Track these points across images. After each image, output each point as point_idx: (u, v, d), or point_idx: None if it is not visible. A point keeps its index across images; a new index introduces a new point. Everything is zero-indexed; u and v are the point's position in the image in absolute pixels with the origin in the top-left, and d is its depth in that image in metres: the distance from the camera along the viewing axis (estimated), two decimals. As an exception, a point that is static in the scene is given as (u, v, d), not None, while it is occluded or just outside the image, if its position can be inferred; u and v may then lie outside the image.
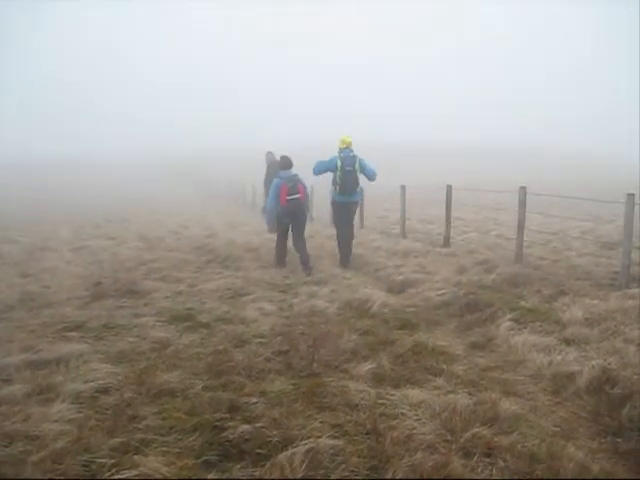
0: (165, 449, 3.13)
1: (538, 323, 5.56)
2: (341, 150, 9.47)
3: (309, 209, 9.93)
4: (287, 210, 9.21)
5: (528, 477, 2.89)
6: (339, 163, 9.26)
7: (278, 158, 10.21)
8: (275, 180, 9.41)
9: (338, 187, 9.41)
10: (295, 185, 9.19)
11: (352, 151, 9.44)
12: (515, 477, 2.89)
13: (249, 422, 3.40)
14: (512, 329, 5.42)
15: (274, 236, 10.04)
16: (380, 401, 3.77)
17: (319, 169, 9.47)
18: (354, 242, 10.12)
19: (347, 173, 9.27)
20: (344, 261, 9.62)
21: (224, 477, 2.89)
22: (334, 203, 9.90)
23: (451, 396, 3.84)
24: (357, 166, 9.33)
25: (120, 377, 4.23)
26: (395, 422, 3.45)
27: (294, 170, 9.46)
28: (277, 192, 9.19)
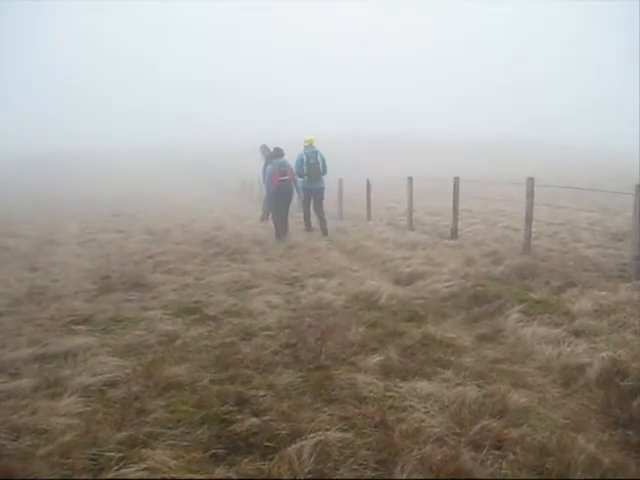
0: (173, 442, 3.12)
1: (547, 315, 5.52)
2: (306, 147, 11.96)
3: (298, 190, 12.33)
4: (279, 188, 11.72)
5: (538, 473, 2.87)
6: (305, 158, 11.85)
7: (271, 150, 12.73)
8: (269, 166, 12.12)
9: (306, 177, 11.94)
10: (285, 169, 11.75)
11: (314, 147, 11.97)
12: (524, 473, 2.87)
13: (257, 415, 3.39)
14: (521, 321, 5.38)
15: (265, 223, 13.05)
16: (388, 394, 3.76)
17: (298, 168, 11.93)
18: (363, 233, 11.10)
19: (311, 165, 11.85)
20: (308, 229, 12.59)
21: (232, 470, 2.88)
22: (303, 190, 12.27)
23: (460, 388, 3.81)
24: (319, 158, 11.92)
25: (128, 370, 4.23)
26: (404, 415, 3.43)
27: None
28: (271, 176, 11.75)
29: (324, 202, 12.58)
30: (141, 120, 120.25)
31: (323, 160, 11.97)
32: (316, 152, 11.92)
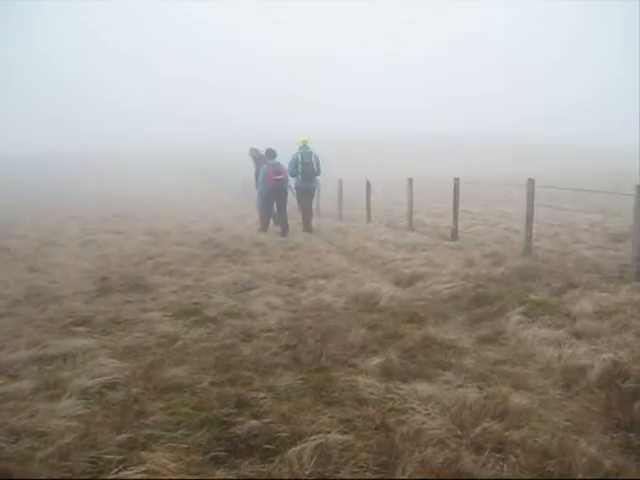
0: (173, 445, 3.11)
1: (547, 316, 5.51)
2: (300, 147, 12.63)
3: (292, 189, 13.02)
4: (274, 187, 12.34)
5: (539, 476, 2.86)
6: (299, 158, 12.53)
7: (261, 152, 13.44)
8: (263, 166, 12.53)
9: (300, 176, 12.63)
10: (279, 169, 12.37)
11: (309, 148, 12.63)
12: (525, 476, 2.86)
13: (257, 417, 3.38)
14: (521, 322, 5.37)
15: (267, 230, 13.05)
16: (389, 396, 3.74)
17: (292, 168, 12.56)
18: (363, 235, 11.05)
19: (306, 165, 12.52)
20: (307, 228, 13.17)
21: (232, 473, 2.87)
22: (297, 188, 12.96)
23: (461, 390, 3.80)
24: (313, 159, 12.60)
25: (127, 372, 4.21)
26: (404, 417, 3.42)
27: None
28: (266, 175, 12.31)
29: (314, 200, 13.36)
30: (141, 119, 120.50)
31: (317, 160, 12.71)
32: (310, 152, 12.64)
